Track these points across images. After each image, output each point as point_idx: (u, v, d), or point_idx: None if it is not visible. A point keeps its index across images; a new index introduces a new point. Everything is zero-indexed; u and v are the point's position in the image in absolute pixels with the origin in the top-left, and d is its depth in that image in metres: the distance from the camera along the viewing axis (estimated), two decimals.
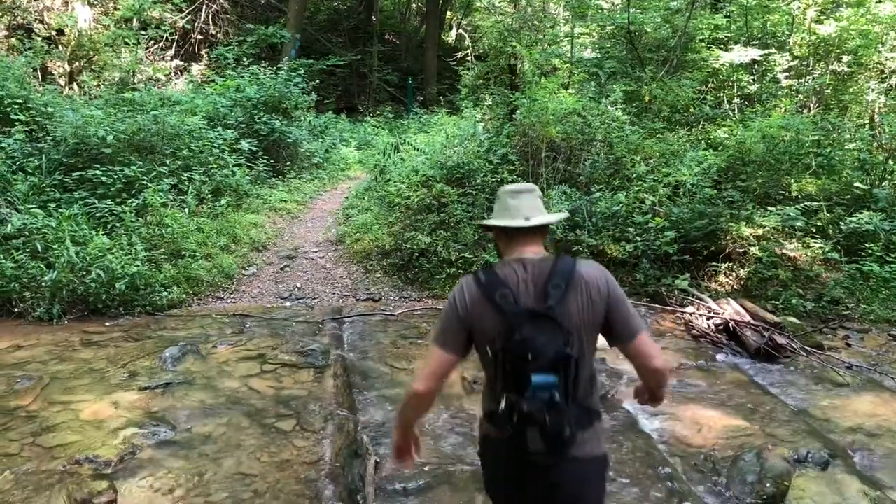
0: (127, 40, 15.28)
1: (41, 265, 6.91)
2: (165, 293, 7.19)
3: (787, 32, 13.65)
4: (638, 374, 2.49)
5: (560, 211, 7.74)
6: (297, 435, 4.62)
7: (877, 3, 12.58)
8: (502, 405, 2.20)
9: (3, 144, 8.45)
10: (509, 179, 8.74)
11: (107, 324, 6.70)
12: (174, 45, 19.18)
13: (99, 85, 14.31)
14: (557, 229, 8.07)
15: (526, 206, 2.43)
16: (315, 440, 4.56)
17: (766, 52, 12.57)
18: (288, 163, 13.11)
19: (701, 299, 7.48)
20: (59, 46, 15.47)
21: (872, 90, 12.53)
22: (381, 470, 4.20)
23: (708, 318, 7.04)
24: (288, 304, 7.53)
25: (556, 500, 2.35)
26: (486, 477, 2.55)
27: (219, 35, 20.69)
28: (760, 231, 8.23)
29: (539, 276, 2.31)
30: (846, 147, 10.34)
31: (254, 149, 11.58)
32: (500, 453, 2.37)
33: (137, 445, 4.37)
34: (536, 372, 2.14)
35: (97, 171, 8.42)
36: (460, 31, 29.34)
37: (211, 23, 20.71)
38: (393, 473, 4.17)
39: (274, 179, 12.19)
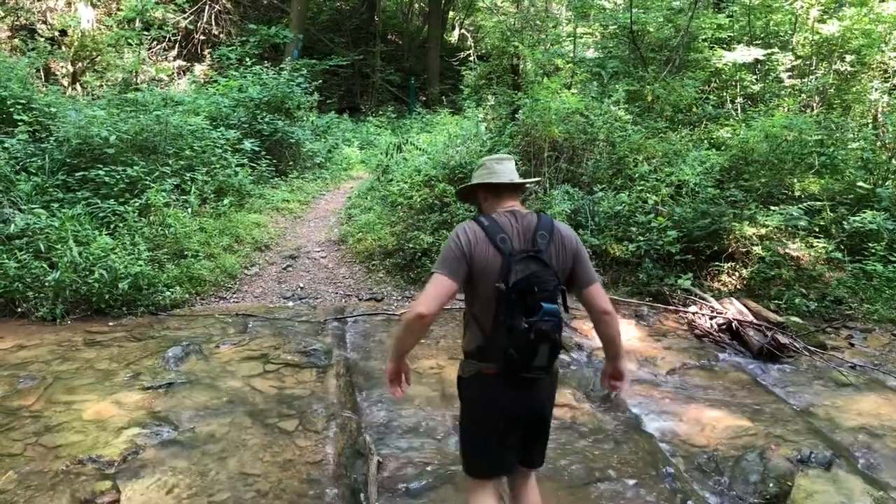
0: (130, 41, 15.31)
1: (44, 265, 6.92)
2: (168, 293, 7.19)
3: (789, 32, 13.63)
4: (593, 322, 3.03)
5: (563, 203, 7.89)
6: (300, 435, 4.62)
7: (880, 2, 12.56)
8: (522, 327, 2.63)
9: (6, 145, 8.46)
10: None
11: (110, 324, 6.70)
12: (177, 46, 19.23)
13: (102, 85, 14.33)
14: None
15: (509, 170, 2.97)
16: (318, 440, 4.57)
17: (768, 51, 12.56)
18: (290, 163, 13.12)
19: (704, 299, 7.47)
20: (62, 47, 15.51)
21: (876, 89, 12.51)
22: (384, 470, 4.20)
23: (711, 318, 7.03)
24: (290, 303, 7.53)
25: (539, 411, 2.93)
26: (477, 412, 2.95)
27: (221, 35, 20.73)
28: (763, 231, 8.22)
29: (528, 226, 2.82)
30: (849, 146, 10.31)
31: (256, 149, 11.58)
32: (494, 384, 2.81)
33: (140, 445, 4.38)
34: (545, 301, 2.64)
35: (100, 172, 8.42)
36: (463, 31, 29.35)
37: (213, 23, 20.75)
38: (396, 473, 4.17)
39: (276, 179, 12.19)
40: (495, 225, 2.78)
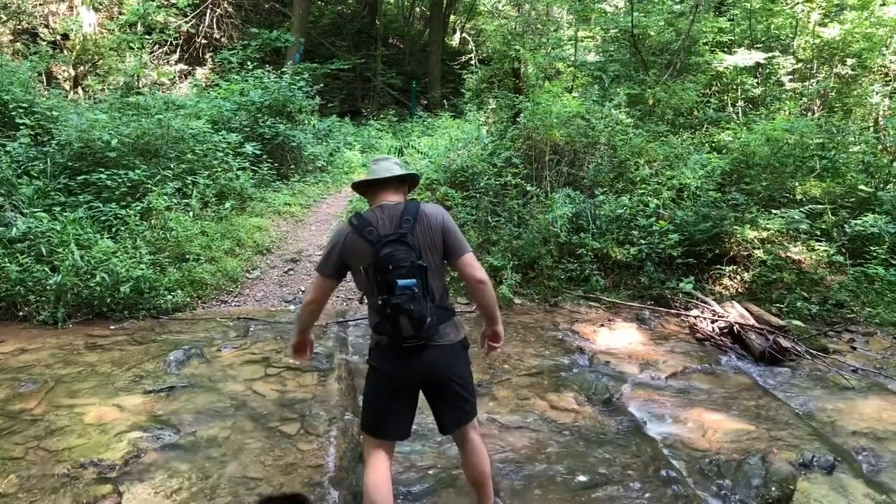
0: (131, 44, 15.35)
1: (46, 269, 6.92)
2: (170, 296, 7.19)
3: (790, 35, 13.65)
4: (469, 290, 3.45)
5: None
6: (302, 438, 4.62)
7: (881, 5, 12.57)
8: (379, 303, 3.08)
9: (8, 148, 8.47)
10: (513, 183, 8.74)
11: (111, 327, 6.70)
12: (178, 50, 19.27)
13: (103, 89, 14.36)
14: (562, 232, 8.09)
15: (383, 168, 3.37)
16: (319, 444, 4.56)
17: (769, 55, 12.57)
18: (292, 166, 13.14)
19: (705, 302, 7.47)
20: (64, 51, 15.55)
21: (877, 93, 12.51)
22: None
23: (712, 322, 7.02)
24: (292, 307, 7.53)
25: (432, 375, 3.27)
26: (373, 376, 3.36)
27: (223, 39, 20.77)
28: (765, 234, 8.23)
29: (394, 215, 3.23)
30: (850, 150, 10.32)
31: (258, 152, 11.59)
32: (387, 352, 3.26)
33: (142, 449, 4.37)
34: (400, 278, 3.04)
35: (102, 175, 8.43)
36: (464, 34, 29.39)
37: (215, 27, 20.80)
38: (397, 477, 4.16)
39: (278, 183, 12.21)
40: (363, 221, 3.22)
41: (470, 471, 3.49)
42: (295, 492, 3.53)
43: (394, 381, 3.29)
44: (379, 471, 3.27)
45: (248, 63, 14.97)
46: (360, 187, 3.49)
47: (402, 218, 3.21)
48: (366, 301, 3.36)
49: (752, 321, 6.79)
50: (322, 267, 3.35)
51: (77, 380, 5.42)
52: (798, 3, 13.04)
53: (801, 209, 8.50)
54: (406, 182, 3.48)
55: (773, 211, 8.54)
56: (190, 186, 9.30)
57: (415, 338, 3.14)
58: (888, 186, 9.65)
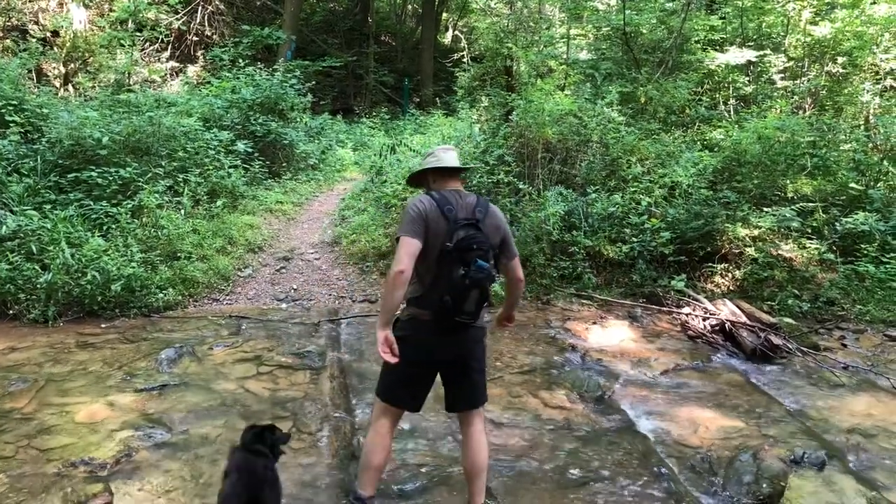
0: (122, 42, 15.25)
1: (36, 267, 6.88)
2: (161, 295, 7.17)
3: (782, 34, 13.69)
4: (507, 283, 3.80)
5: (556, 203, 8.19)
6: (294, 437, 4.60)
7: (871, 4, 12.62)
8: (459, 274, 3.24)
9: None
10: (506, 180, 8.74)
11: (102, 325, 6.67)
12: (169, 47, 19.17)
13: (94, 86, 14.27)
14: (554, 230, 8.10)
15: (452, 157, 3.62)
16: (311, 442, 4.56)
17: (761, 53, 12.62)
18: (284, 164, 13.10)
19: (697, 300, 7.49)
20: (54, 48, 15.44)
21: (867, 91, 12.57)
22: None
23: (704, 319, 7.05)
24: (284, 305, 7.52)
25: (462, 354, 3.50)
26: (402, 344, 3.36)
27: (214, 36, 20.68)
28: (756, 232, 8.26)
29: (469, 203, 3.46)
30: (841, 148, 10.36)
31: (249, 150, 11.55)
32: (427, 327, 3.38)
33: (133, 447, 4.36)
34: (479, 258, 3.28)
35: (92, 173, 8.38)
36: (456, 32, 29.37)
37: (206, 24, 20.71)
38: (390, 475, 4.16)
39: (270, 181, 12.17)
40: (444, 198, 3.41)
41: (470, 457, 3.60)
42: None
43: (433, 355, 3.48)
44: (383, 435, 3.54)
45: (240, 60, 14.90)
46: (428, 174, 3.64)
47: (476, 208, 3.45)
48: (415, 276, 3.36)
49: (743, 319, 6.82)
50: (410, 229, 3.32)
51: (68, 378, 5.40)
52: (789, 2, 13.07)
53: (793, 207, 8.54)
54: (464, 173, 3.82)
55: (765, 209, 8.58)
56: (181, 184, 9.26)
57: (471, 315, 3.35)
58: (878, 184, 9.71)
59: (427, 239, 3.32)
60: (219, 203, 9.59)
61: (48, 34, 15.93)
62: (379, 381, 3.63)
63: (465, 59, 22.81)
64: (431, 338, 3.40)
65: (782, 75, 13.17)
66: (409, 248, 3.28)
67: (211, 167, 10.13)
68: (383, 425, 3.55)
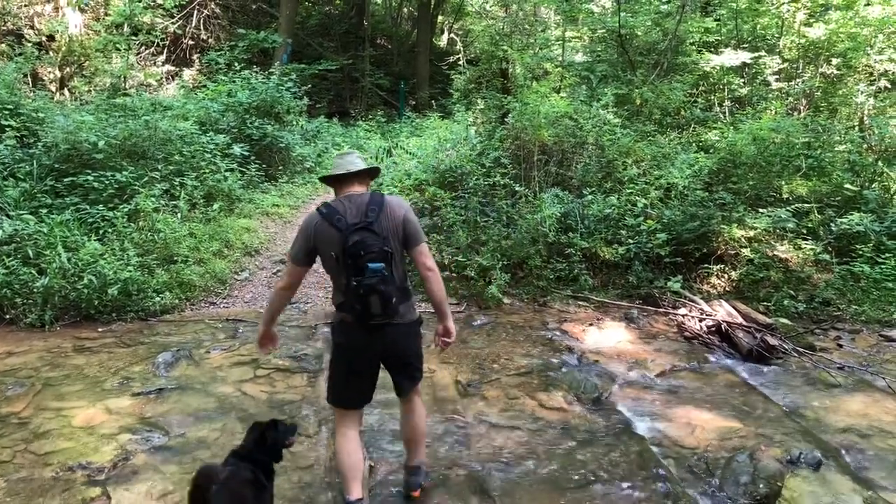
0: (118, 46, 15.23)
1: (33, 271, 6.88)
2: (158, 298, 7.16)
3: (776, 35, 13.73)
4: (421, 278, 3.71)
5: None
6: None
7: (865, 5, 12.67)
8: (353, 284, 3.37)
9: None
10: (501, 183, 8.76)
11: (99, 329, 6.67)
12: (165, 51, 19.16)
13: (90, 90, 14.25)
14: (550, 232, 8.11)
15: (348, 162, 3.65)
16: (309, 445, 4.56)
17: (756, 54, 12.63)
18: (280, 167, 13.10)
19: (693, 301, 7.50)
20: (50, 52, 15.42)
21: (861, 92, 12.59)
22: (376, 474, 4.20)
23: (700, 320, 7.06)
24: None
25: (393, 351, 3.65)
26: (338, 352, 3.71)
27: (210, 40, 20.68)
28: (752, 233, 8.27)
29: (360, 205, 3.51)
30: (836, 149, 10.39)
31: (246, 153, 11.55)
32: (352, 329, 3.56)
33: (131, 451, 4.36)
34: (370, 262, 3.35)
35: (89, 177, 8.39)
36: (452, 35, 29.40)
37: (202, 28, 20.71)
38: (388, 477, 4.17)
39: (266, 184, 12.17)
40: (331, 209, 3.51)
41: (410, 427, 3.90)
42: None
43: (358, 356, 3.65)
44: (350, 438, 3.69)
45: (236, 64, 14.90)
46: (328, 181, 3.75)
47: (369, 207, 3.50)
48: (333, 283, 3.66)
49: (739, 319, 6.84)
50: (294, 254, 3.63)
51: (65, 382, 5.40)
52: (783, 4, 13.09)
53: (788, 208, 8.56)
54: (370, 175, 3.79)
55: (760, 210, 8.59)
56: (178, 188, 9.25)
57: (381, 316, 3.44)
58: (873, 185, 9.73)
59: (322, 253, 3.55)
60: (215, 206, 9.59)
61: (44, 38, 15.90)
62: (327, 389, 3.87)
63: (460, 62, 22.85)
64: (360, 339, 3.58)
65: (777, 77, 13.20)
66: (291, 272, 3.70)
67: (207, 171, 10.13)
68: (348, 428, 3.71)
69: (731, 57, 12.18)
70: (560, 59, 14.47)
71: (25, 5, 16.53)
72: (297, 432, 3.76)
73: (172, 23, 18.93)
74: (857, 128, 11.94)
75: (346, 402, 3.75)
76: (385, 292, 3.38)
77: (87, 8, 16.91)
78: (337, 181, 3.68)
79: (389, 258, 3.44)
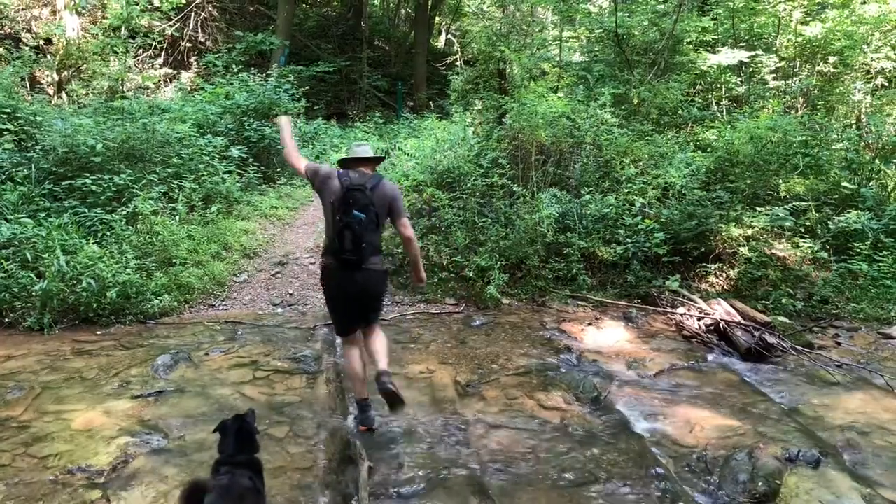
0: (115, 49, 15.21)
1: (31, 275, 6.88)
2: (157, 301, 7.17)
3: (773, 34, 13.75)
4: (403, 241, 4.92)
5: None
6: (291, 441, 4.62)
7: (861, 4, 12.69)
8: (336, 219, 4.50)
9: None
10: (500, 183, 8.76)
11: (98, 332, 6.67)
12: (163, 53, 19.18)
13: (88, 93, 14.25)
14: (549, 232, 8.12)
15: (363, 150, 4.89)
16: (308, 446, 4.57)
17: (753, 53, 12.66)
18: (279, 169, 13.09)
19: (691, 300, 7.51)
20: (48, 55, 15.42)
21: (858, 90, 12.62)
22: (375, 475, 4.20)
23: (699, 319, 7.07)
24: (280, 310, 7.52)
25: (365, 289, 4.68)
26: (328, 294, 4.82)
27: (208, 43, 20.69)
28: (750, 231, 8.28)
29: (365, 177, 4.63)
30: (833, 147, 10.41)
31: (244, 156, 11.55)
32: (332, 270, 4.64)
33: (130, 454, 4.36)
34: (355, 210, 4.46)
35: (87, 180, 8.39)
36: (449, 36, 29.41)
37: (200, 30, 20.72)
38: (387, 479, 4.18)
39: (264, 186, 12.18)
40: (345, 172, 4.65)
41: (373, 344, 4.76)
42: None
43: (341, 293, 4.71)
44: (355, 355, 4.84)
45: (233, 66, 14.90)
46: (344, 163, 4.86)
47: (369, 180, 4.64)
48: (325, 230, 4.77)
49: (737, 318, 6.85)
50: (308, 164, 4.85)
51: (64, 386, 5.40)
52: (780, 2, 13.14)
53: (786, 206, 8.58)
54: (376, 161, 4.99)
55: (758, 208, 8.61)
56: (176, 190, 9.26)
57: (351, 252, 4.48)
58: (871, 183, 9.75)
59: (324, 194, 4.67)
60: (213, 209, 9.59)
61: (41, 42, 15.91)
62: (332, 323, 5.15)
63: (458, 63, 22.84)
64: (337, 276, 4.64)
65: (774, 75, 13.23)
66: (301, 163, 4.85)
67: (205, 173, 10.13)
68: (352, 349, 4.86)
69: (728, 56, 12.21)
70: (557, 59, 14.48)
71: (23, 9, 16.55)
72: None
73: (170, 26, 18.94)
74: (854, 126, 11.96)
75: (345, 332, 4.88)
76: (357, 232, 4.45)
77: (84, 11, 16.91)
78: (353, 162, 4.78)
79: (370, 214, 4.51)
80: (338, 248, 4.48)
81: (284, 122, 5.17)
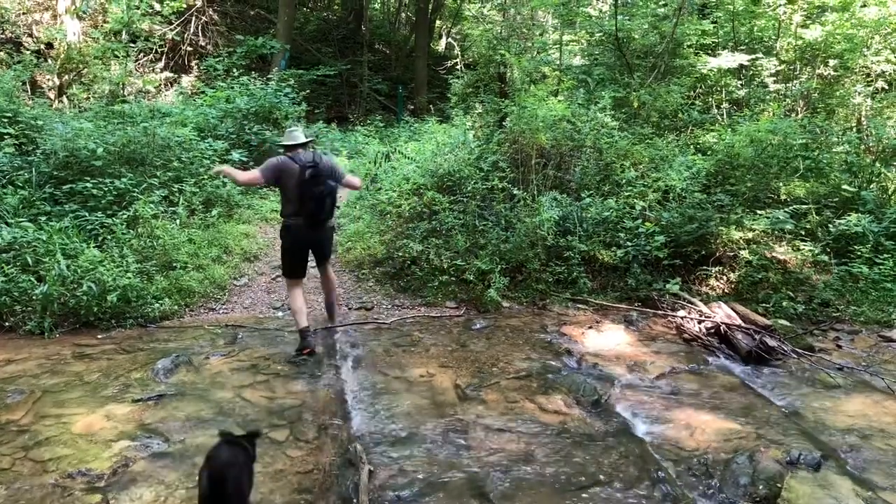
0: (116, 53, 15.25)
1: (32, 279, 6.88)
2: (157, 305, 7.17)
3: (773, 37, 13.76)
4: (352, 188, 7.14)
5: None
6: (291, 445, 4.62)
7: (861, 7, 12.70)
8: (315, 193, 5.95)
9: None
10: (500, 187, 8.77)
11: (98, 336, 6.68)
12: (164, 57, 19.22)
13: (88, 97, 14.27)
14: (549, 235, 8.12)
15: (297, 136, 6.14)
16: (309, 450, 4.56)
17: (753, 56, 12.66)
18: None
19: (692, 303, 7.51)
20: (49, 60, 15.46)
21: (859, 93, 12.63)
22: (375, 479, 4.20)
23: (699, 322, 7.07)
24: (280, 314, 7.52)
25: (321, 241, 6.33)
26: (289, 243, 6.30)
27: (208, 46, 20.73)
28: (750, 234, 8.28)
29: (308, 155, 6.02)
30: (834, 150, 10.41)
31: (244, 159, 11.57)
32: (299, 227, 6.14)
33: (130, 458, 4.36)
34: (324, 183, 5.98)
35: (87, 184, 8.40)
36: (450, 39, 29.42)
37: (200, 34, 20.77)
38: (387, 482, 4.17)
39: (265, 190, 12.17)
40: (295, 156, 6.04)
41: (325, 284, 6.78)
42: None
43: (304, 245, 6.31)
44: (298, 294, 6.33)
45: (234, 70, 14.93)
46: (284, 147, 6.20)
47: (314, 156, 6.08)
48: (286, 201, 6.20)
49: (738, 321, 6.84)
50: (264, 174, 6.07)
51: (64, 390, 5.40)
52: (780, 6, 13.14)
53: (786, 209, 8.57)
54: (308, 144, 6.26)
55: (758, 211, 8.60)
56: (177, 194, 9.27)
57: (324, 215, 6.13)
58: (871, 186, 9.75)
59: (282, 179, 6.02)
60: (214, 212, 9.60)
61: (42, 46, 15.95)
62: (282, 267, 6.58)
63: (458, 67, 22.83)
64: (302, 232, 6.17)
65: (774, 78, 13.23)
66: (256, 176, 6.13)
67: (206, 177, 10.14)
68: (297, 290, 6.35)
69: (729, 59, 12.21)
70: (558, 62, 14.50)
71: (24, 13, 16.59)
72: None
73: (171, 30, 18.98)
74: (854, 129, 11.97)
75: (295, 275, 6.36)
76: (331, 200, 6.12)
77: (85, 15, 16.95)
78: (294, 147, 6.11)
79: (332, 185, 6.09)
80: (313, 214, 6.02)
81: (225, 169, 6.64)
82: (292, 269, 6.31)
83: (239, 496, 3.49)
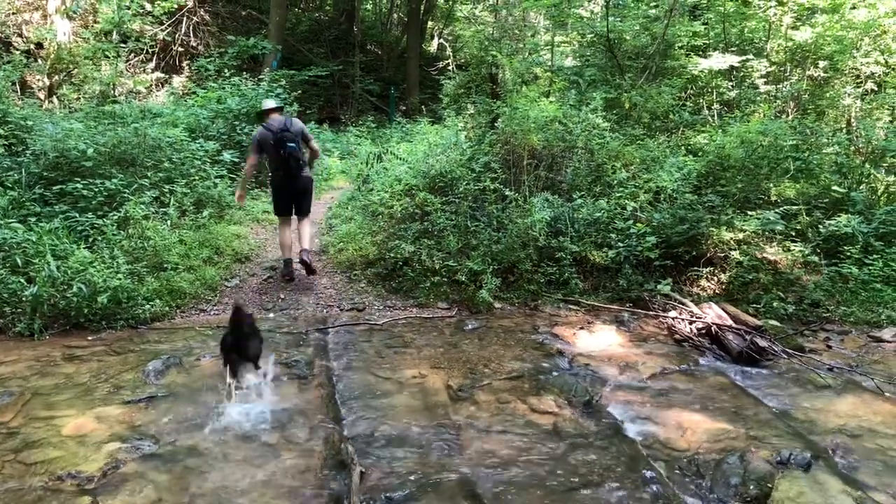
0: (107, 53, 15.21)
1: (21, 280, 6.85)
2: (148, 306, 7.14)
3: (764, 39, 13.82)
4: (310, 151, 8.21)
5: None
6: (282, 447, 4.61)
7: (851, 9, 12.77)
8: (282, 153, 7.66)
9: None
10: (492, 187, 8.78)
11: (89, 338, 6.64)
12: (155, 58, 19.17)
13: (79, 98, 14.23)
14: (541, 236, 8.14)
15: (270, 103, 8.08)
16: (300, 451, 4.55)
17: (743, 58, 12.71)
18: (270, 174, 13.07)
19: (683, 304, 7.53)
20: (39, 60, 15.40)
21: (848, 95, 12.69)
22: (367, 480, 4.19)
23: (690, 323, 7.09)
24: (271, 315, 7.50)
25: (301, 190, 8.07)
26: (275, 190, 8.15)
27: (200, 47, 20.69)
28: (741, 235, 8.31)
29: (280, 121, 7.77)
30: (824, 151, 10.45)
31: (236, 160, 11.53)
32: (281, 179, 7.94)
33: (121, 460, 4.34)
34: (288, 143, 7.65)
35: (78, 185, 8.36)
36: (441, 40, 29.47)
37: (192, 35, 20.73)
38: (379, 484, 4.17)
39: (256, 190, 12.15)
40: (267, 125, 7.70)
41: (300, 232, 8.12)
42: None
43: (286, 190, 8.00)
44: (287, 231, 8.11)
45: (226, 71, 14.92)
46: (263, 114, 7.96)
47: (285, 122, 7.67)
48: (269, 165, 8.03)
49: (729, 321, 6.87)
50: (251, 150, 7.87)
51: (54, 391, 5.37)
52: (770, 7, 13.20)
53: (776, 210, 8.60)
54: (281, 109, 8.06)
55: (749, 212, 8.63)
56: (167, 195, 9.24)
57: (295, 169, 7.72)
58: (861, 187, 9.80)
59: (264, 147, 7.70)
60: (205, 213, 9.57)
61: (32, 46, 15.88)
62: (273, 207, 8.38)
63: (450, 67, 22.86)
64: (284, 182, 7.91)
65: (765, 80, 13.29)
66: (251, 161, 8.01)
67: (197, 177, 10.11)
68: (284, 227, 8.16)
69: (719, 60, 12.26)
70: (549, 63, 14.52)
71: (14, 13, 16.51)
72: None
73: (162, 30, 18.95)
74: (844, 130, 12.02)
75: (285, 212, 8.14)
76: (296, 156, 7.66)
77: (75, 15, 16.88)
78: (269, 112, 7.89)
79: (297, 144, 7.68)
80: (287, 169, 7.69)
81: (239, 193, 8.47)
82: (278, 209, 8.17)
83: (252, 331, 5.34)
